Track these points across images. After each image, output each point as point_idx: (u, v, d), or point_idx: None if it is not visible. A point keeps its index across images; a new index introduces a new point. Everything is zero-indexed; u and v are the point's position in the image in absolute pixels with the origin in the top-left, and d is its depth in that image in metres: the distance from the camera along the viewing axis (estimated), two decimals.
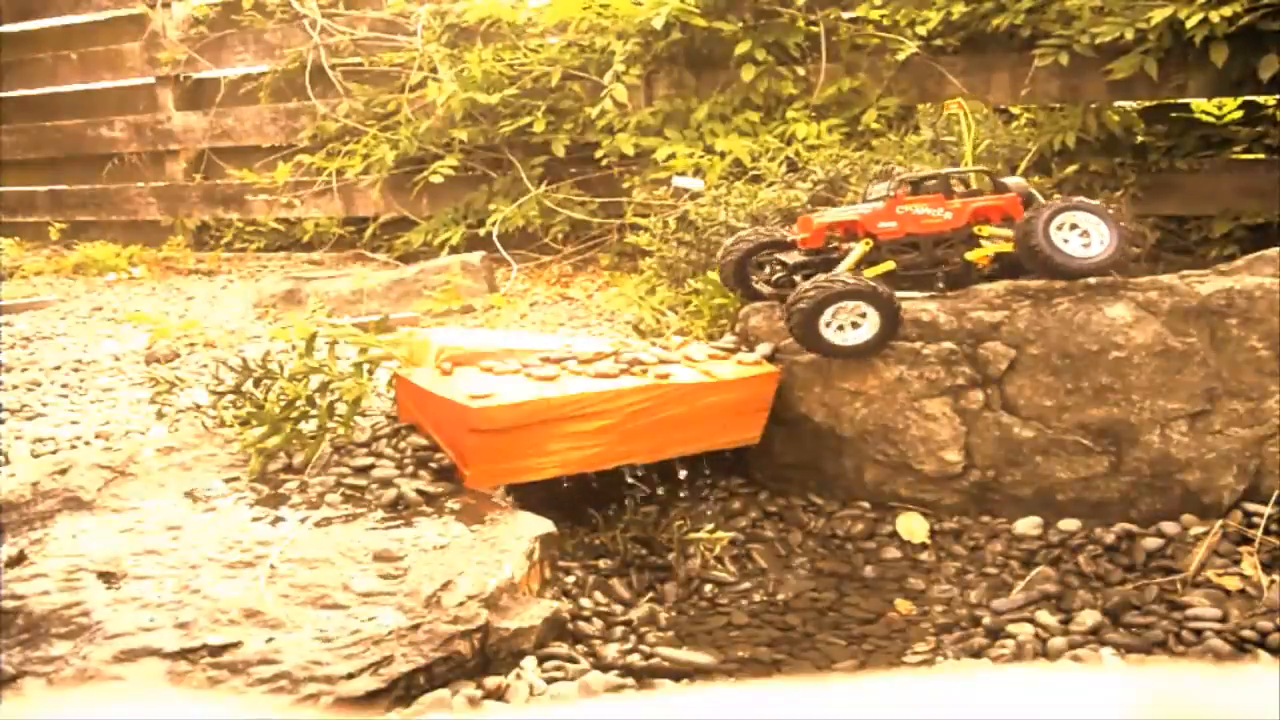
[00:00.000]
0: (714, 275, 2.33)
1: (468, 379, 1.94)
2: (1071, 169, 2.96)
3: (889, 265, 2.03)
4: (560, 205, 3.98)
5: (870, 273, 1.99)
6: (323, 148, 4.71)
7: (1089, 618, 1.66)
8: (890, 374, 1.98)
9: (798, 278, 2.04)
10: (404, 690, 1.40)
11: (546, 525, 1.74)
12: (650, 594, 1.84)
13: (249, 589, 1.54)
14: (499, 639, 1.51)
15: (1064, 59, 3.06)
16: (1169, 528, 1.83)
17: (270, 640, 1.43)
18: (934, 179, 2.10)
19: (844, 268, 1.99)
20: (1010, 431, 1.93)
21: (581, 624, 1.68)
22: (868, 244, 2.03)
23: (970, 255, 2.04)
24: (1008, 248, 2.01)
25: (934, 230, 2.06)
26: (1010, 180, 2.16)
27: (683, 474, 2.06)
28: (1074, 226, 1.95)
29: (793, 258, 2.10)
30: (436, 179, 4.13)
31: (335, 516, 1.76)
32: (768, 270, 2.17)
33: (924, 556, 1.93)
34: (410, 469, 1.87)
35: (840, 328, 1.93)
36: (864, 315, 1.93)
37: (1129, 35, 2.91)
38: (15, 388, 2.97)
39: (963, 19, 3.37)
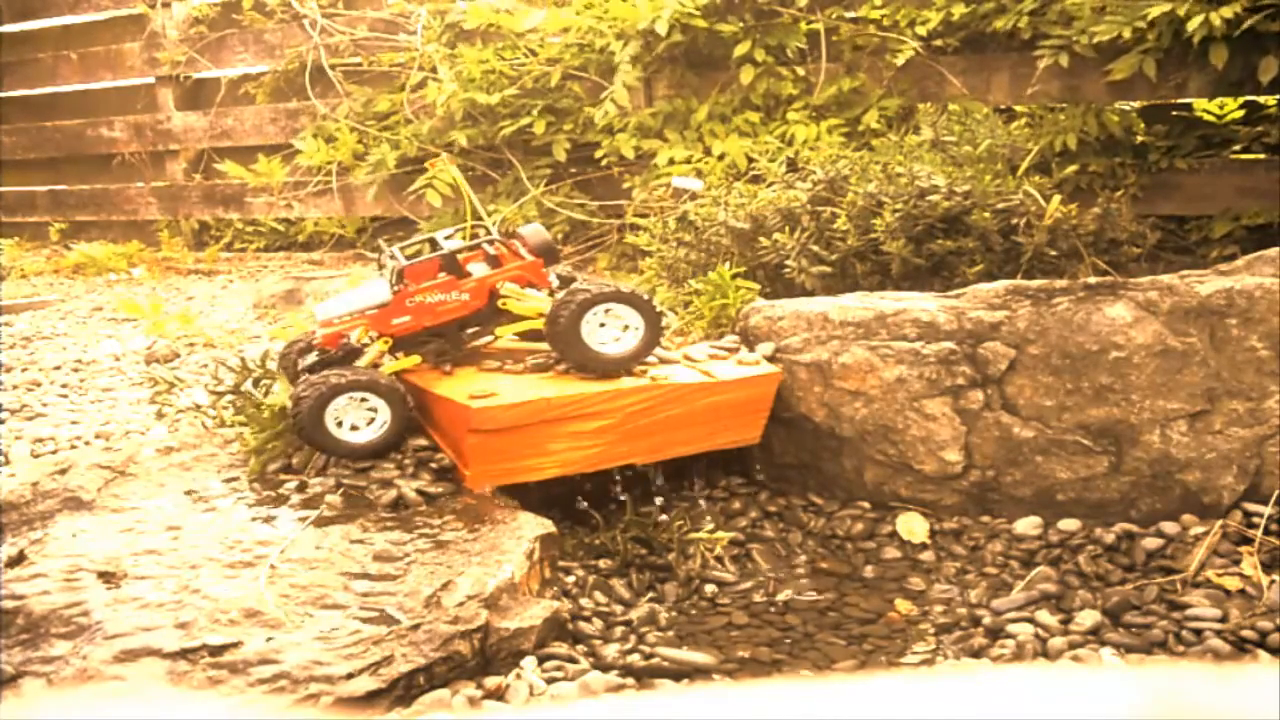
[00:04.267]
0: (714, 276, 2.33)
1: (468, 379, 1.94)
2: (1071, 169, 2.96)
3: (413, 360, 1.92)
4: (560, 206, 3.98)
5: (392, 367, 1.89)
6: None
7: (1089, 618, 1.66)
8: (890, 374, 1.98)
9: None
10: (404, 690, 1.40)
11: (546, 525, 1.74)
12: (650, 594, 1.84)
13: (249, 589, 1.54)
14: (499, 639, 1.51)
15: (1064, 60, 3.06)
16: (1169, 528, 1.83)
17: (270, 640, 1.43)
18: (438, 258, 1.91)
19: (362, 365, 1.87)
20: (1010, 431, 1.93)
21: (581, 624, 1.68)
22: (385, 343, 1.89)
23: (501, 331, 1.92)
24: (538, 323, 1.89)
25: (454, 316, 1.91)
26: (526, 230, 1.96)
27: (682, 474, 2.06)
28: (608, 315, 1.85)
29: (309, 359, 1.91)
30: (435, 201, 4.12)
31: (335, 517, 1.76)
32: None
33: (924, 556, 1.93)
34: (410, 469, 1.88)
35: (354, 425, 1.83)
36: (374, 409, 1.82)
37: (1127, 34, 2.91)
38: (15, 388, 2.97)
39: (963, 19, 3.37)
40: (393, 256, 1.93)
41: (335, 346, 1.89)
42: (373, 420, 1.83)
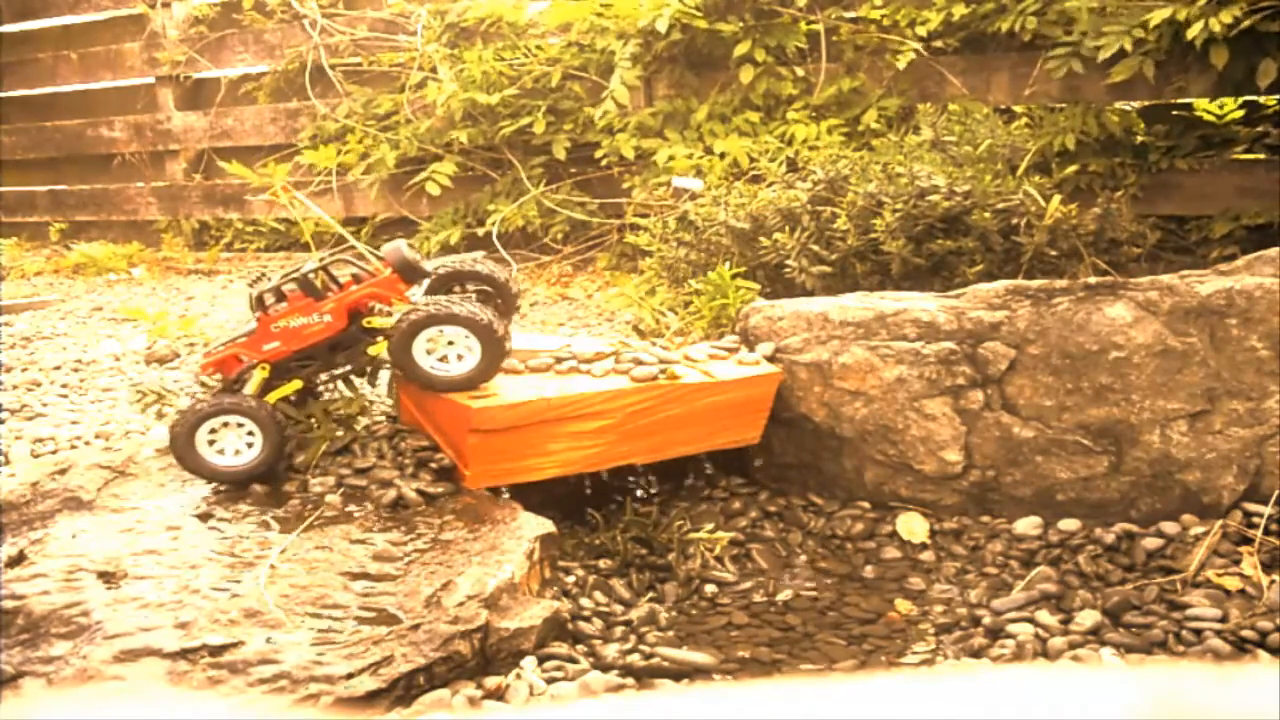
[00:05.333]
0: (714, 276, 2.33)
1: None
2: (1072, 169, 2.96)
3: (295, 385, 1.91)
4: (560, 205, 3.98)
5: (277, 394, 1.89)
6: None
7: (1089, 618, 1.66)
8: (890, 374, 1.98)
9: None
10: (404, 690, 1.40)
11: (546, 525, 1.74)
12: (650, 594, 1.84)
13: (249, 589, 1.54)
14: (499, 639, 1.51)
15: (1077, 65, 3.06)
16: (1169, 528, 1.83)
17: (270, 640, 1.43)
18: (296, 281, 1.90)
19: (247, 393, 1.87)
20: (1010, 431, 1.93)
21: (581, 624, 1.68)
22: (264, 370, 1.89)
23: (374, 350, 1.90)
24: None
25: (321, 338, 1.90)
26: (387, 248, 1.94)
27: (682, 474, 2.06)
28: (444, 340, 1.82)
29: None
30: (433, 190, 4.13)
31: (335, 517, 1.76)
32: None
33: (924, 556, 1.93)
34: (410, 470, 1.88)
35: (236, 451, 1.83)
36: (252, 434, 1.82)
37: (1128, 46, 2.91)
38: (15, 388, 2.97)
39: (963, 19, 3.37)
40: (253, 285, 1.94)
41: (226, 373, 1.91)
42: (251, 445, 1.84)
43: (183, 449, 1.83)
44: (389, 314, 1.89)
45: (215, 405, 1.82)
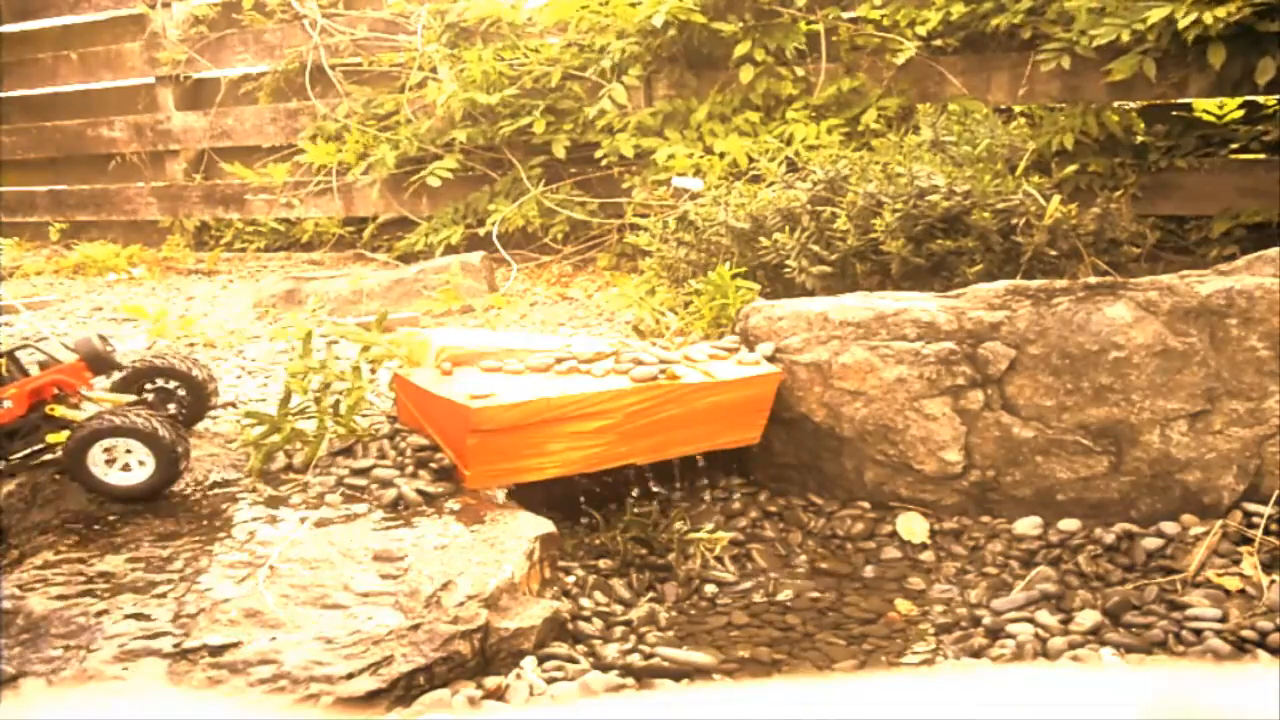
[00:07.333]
0: (714, 276, 2.33)
1: (468, 379, 1.94)
2: (1071, 169, 2.96)
3: None
4: (560, 205, 3.98)
5: None
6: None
7: (1089, 618, 1.66)
8: (890, 374, 1.98)
9: None
10: (404, 690, 1.40)
11: (546, 525, 1.74)
12: (650, 594, 1.84)
13: (249, 589, 1.54)
14: (499, 639, 1.51)
15: (1066, 62, 3.06)
16: (1169, 528, 1.83)
17: (270, 640, 1.43)
18: None
19: None
20: (1010, 431, 1.93)
21: (581, 624, 1.68)
22: None
23: (53, 439, 1.83)
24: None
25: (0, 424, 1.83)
26: (78, 339, 1.91)
27: (682, 474, 2.06)
28: (117, 450, 1.78)
29: None
30: (434, 181, 4.14)
31: (335, 516, 1.76)
32: None
33: (924, 556, 1.93)
34: (410, 469, 1.88)
35: None
36: None
37: (1125, 37, 2.91)
38: None
39: (962, 19, 3.37)
40: None
41: None
42: None
43: None
44: (74, 405, 1.84)
45: None
